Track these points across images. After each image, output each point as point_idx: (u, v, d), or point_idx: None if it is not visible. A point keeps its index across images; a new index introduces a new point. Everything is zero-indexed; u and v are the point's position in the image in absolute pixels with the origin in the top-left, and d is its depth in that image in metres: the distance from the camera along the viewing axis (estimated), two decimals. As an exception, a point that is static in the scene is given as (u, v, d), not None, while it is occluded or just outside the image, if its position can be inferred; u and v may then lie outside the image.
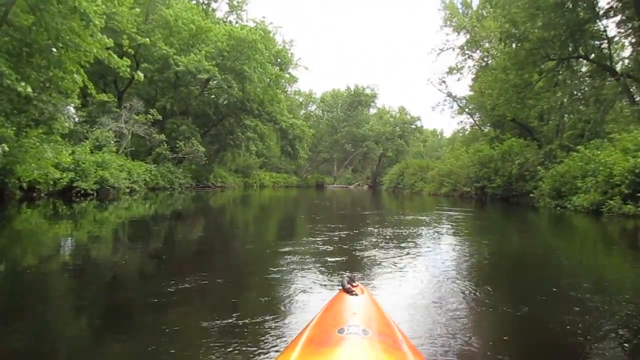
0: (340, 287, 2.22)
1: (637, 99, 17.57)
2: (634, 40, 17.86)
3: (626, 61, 21.00)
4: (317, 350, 1.50)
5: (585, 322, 3.29)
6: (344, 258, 5.69)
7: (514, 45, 22.34)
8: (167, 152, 25.16)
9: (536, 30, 20.59)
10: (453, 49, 35.77)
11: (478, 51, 34.96)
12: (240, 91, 30.93)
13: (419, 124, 68.71)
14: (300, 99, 67.62)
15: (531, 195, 17.25)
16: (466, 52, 35.42)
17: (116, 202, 15.35)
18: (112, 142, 20.02)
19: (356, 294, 2.10)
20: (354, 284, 2.21)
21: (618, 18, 20.00)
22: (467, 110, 37.13)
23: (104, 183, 16.24)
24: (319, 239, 7.37)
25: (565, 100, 21.87)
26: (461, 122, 39.64)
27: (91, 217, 11.62)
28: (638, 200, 10.60)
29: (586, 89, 21.07)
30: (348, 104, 66.12)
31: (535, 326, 3.22)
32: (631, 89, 18.79)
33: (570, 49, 20.88)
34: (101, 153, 17.39)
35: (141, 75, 14.93)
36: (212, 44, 28.81)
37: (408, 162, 44.97)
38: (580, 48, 20.75)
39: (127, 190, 18.40)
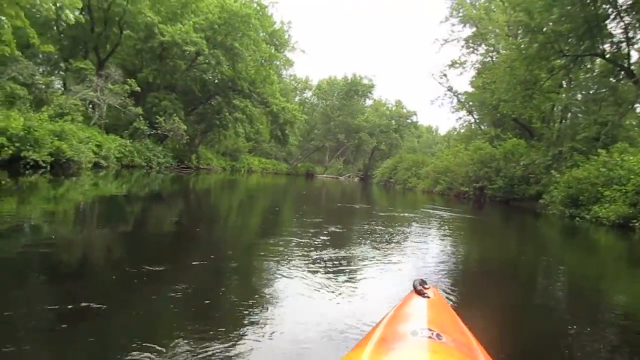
0: (412, 289, 2.08)
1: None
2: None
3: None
4: (389, 350, 1.44)
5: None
6: (327, 259, 4.92)
7: (525, 38, 20.76)
8: (146, 127, 23.29)
9: (551, 22, 19.03)
10: (458, 41, 34.22)
11: (483, 45, 33.43)
12: (231, 69, 29.03)
13: (414, 118, 67.11)
14: (296, 85, 65.70)
15: (541, 200, 15.62)
16: (471, 45, 33.86)
17: (75, 178, 13.63)
18: (79, 110, 18.10)
19: (428, 297, 1.99)
20: (425, 286, 2.10)
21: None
22: (467, 106, 35.62)
23: (61, 155, 14.35)
24: (303, 238, 6.32)
25: (578, 99, 20.28)
26: (460, 118, 38.24)
27: (40, 194, 9.96)
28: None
29: (601, 90, 19.45)
30: (344, 92, 64.11)
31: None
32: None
33: (585, 45, 19.27)
34: (61, 122, 15.46)
35: (70, 16, 12.93)
36: (202, 15, 26.90)
37: (402, 156, 43.40)
38: (597, 45, 19.25)
39: (90, 164, 16.55)
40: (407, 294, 2.12)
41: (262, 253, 5.16)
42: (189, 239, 6.15)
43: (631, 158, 11.11)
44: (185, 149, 29.34)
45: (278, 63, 46.85)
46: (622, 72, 18.78)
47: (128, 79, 22.20)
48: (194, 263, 4.41)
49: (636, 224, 9.94)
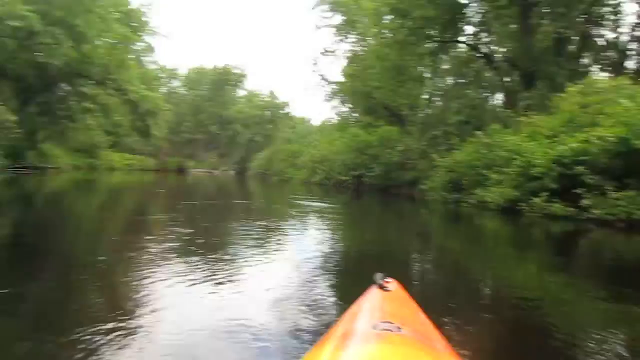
0: (374, 282, 2.01)
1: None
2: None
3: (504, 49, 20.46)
4: (349, 346, 1.39)
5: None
6: (203, 258, 4.56)
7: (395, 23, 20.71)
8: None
9: (419, 8, 19.11)
10: (329, 28, 33.79)
11: (353, 34, 33.41)
12: (75, 51, 24.82)
13: (288, 109, 66.83)
14: (162, 74, 60.75)
15: (422, 186, 15.33)
16: (342, 33, 33.62)
17: None
18: None
19: (389, 290, 1.95)
20: (387, 280, 2.04)
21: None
22: (339, 94, 35.57)
23: None
24: (174, 242, 5.53)
25: (444, 85, 20.84)
26: (334, 107, 38.16)
27: None
28: (574, 199, 8.71)
29: (467, 76, 20.16)
30: (215, 82, 61.14)
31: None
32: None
33: (450, 32, 19.77)
34: None
35: None
36: (34, -15, 22.47)
37: (278, 147, 42.39)
38: (460, 32, 19.89)
39: None
40: (369, 289, 2.03)
41: (125, 263, 4.37)
42: (27, 257, 4.59)
43: (512, 138, 10.94)
44: (23, 145, 24.57)
45: (137, 48, 42.45)
46: (483, 59, 19.60)
47: None
48: (39, 284, 3.52)
49: (525, 208, 9.66)
